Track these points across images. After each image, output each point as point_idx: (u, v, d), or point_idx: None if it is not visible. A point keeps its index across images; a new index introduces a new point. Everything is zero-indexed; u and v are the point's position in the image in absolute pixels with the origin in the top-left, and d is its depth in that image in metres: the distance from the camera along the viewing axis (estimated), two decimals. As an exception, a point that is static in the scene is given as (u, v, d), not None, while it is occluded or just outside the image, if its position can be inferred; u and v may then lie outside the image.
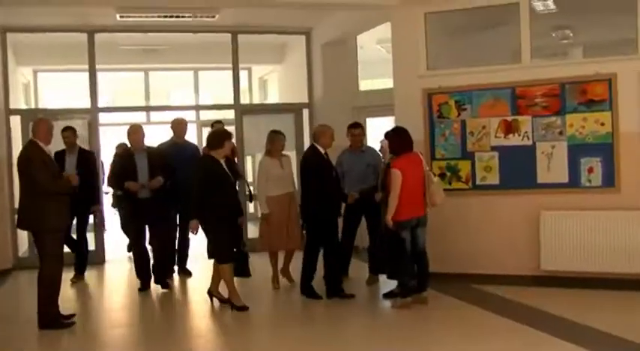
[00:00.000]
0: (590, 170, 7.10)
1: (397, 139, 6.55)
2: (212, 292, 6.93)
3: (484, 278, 7.36)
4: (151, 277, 7.74)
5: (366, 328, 6.33)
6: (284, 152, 7.78)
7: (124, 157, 7.81)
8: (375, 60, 11.17)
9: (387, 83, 12.43)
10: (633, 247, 6.84)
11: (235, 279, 6.75)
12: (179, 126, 8.50)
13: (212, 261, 6.80)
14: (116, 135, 10.79)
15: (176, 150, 8.21)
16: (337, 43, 10.18)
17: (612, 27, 7.57)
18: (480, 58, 7.76)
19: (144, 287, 7.70)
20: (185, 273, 8.57)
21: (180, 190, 7.78)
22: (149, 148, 7.78)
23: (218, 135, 6.82)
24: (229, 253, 6.67)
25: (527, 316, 6.10)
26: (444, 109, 7.66)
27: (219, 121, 8.97)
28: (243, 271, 6.88)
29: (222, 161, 6.64)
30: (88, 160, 8.38)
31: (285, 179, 7.63)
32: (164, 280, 7.75)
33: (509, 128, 7.39)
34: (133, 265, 7.97)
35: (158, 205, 7.57)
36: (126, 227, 9.13)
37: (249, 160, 11.13)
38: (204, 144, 7.10)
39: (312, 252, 7.07)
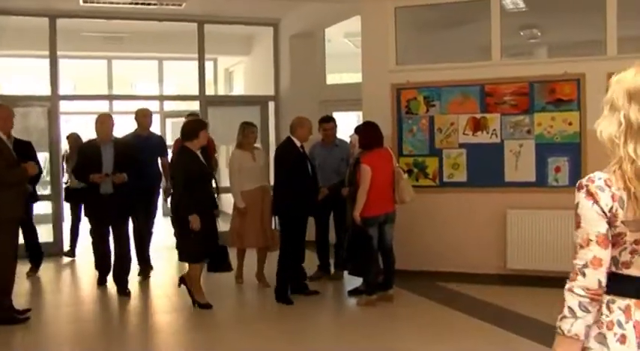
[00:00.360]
0: (557, 170, 7.10)
1: (368, 133, 6.45)
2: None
3: (450, 276, 7.33)
4: (109, 271, 7.37)
5: (331, 325, 6.28)
6: (255, 145, 7.61)
7: (89, 147, 7.23)
8: (343, 54, 11.08)
9: (354, 77, 12.43)
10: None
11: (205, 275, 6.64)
12: (144, 118, 8.08)
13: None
14: (79, 124, 10.53)
15: (141, 142, 7.84)
16: (305, 35, 10.04)
17: (581, 27, 7.58)
18: (450, 54, 7.71)
19: (103, 281, 7.44)
20: (147, 267, 8.18)
21: (146, 184, 7.55)
22: (116, 139, 7.27)
23: (193, 125, 6.58)
24: (202, 252, 6.46)
25: (493, 315, 6.08)
26: (413, 104, 7.59)
27: (193, 114, 8.75)
28: (224, 265, 6.74)
29: (199, 152, 6.44)
30: (28, 150, 7.33)
31: (258, 172, 7.38)
32: (125, 286, 7.19)
33: (478, 126, 7.35)
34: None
35: (122, 203, 7.05)
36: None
37: (223, 151, 10.94)
38: (178, 135, 6.88)
39: (288, 252, 6.71)
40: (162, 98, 12.09)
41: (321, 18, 9.61)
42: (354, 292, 6.91)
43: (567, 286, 2.10)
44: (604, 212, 2.02)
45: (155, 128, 10.04)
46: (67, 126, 10.78)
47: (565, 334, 2.07)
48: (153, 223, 8.31)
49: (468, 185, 7.41)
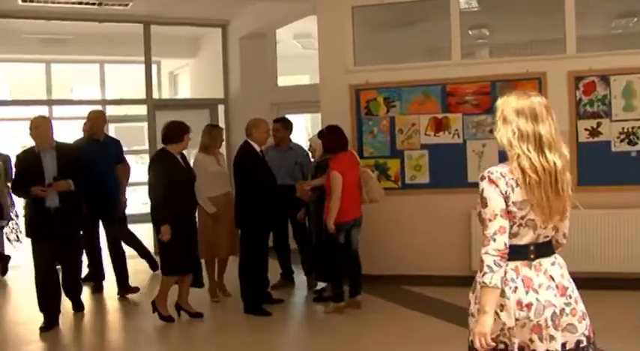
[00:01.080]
0: (520, 169, 7.03)
1: (332, 137, 6.24)
2: (180, 305, 6.32)
3: (416, 279, 7.18)
4: (59, 312, 6.24)
5: (298, 334, 6.09)
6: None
7: (27, 156, 6.15)
8: (291, 55, 10.87)
9: (303, 80, 12.27)
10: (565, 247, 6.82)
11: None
12: (98, 120, 7.35)
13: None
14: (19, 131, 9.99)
15: (97, 147, 7.14)
16: (256, 36, 9.77)
17: (539, 27, 7.56)
18: (410, 54, 7.59)
19: (49, 325, 6.06)
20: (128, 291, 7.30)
21: (105, 194, 7.03)
22: (58, 144, 6.21)
23: (178, 127, 6.13)
24: (183, 264, 6.09)
25: (461, 317, 5.92)
26: (373, 105, 7.43)
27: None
28: (197, 280, 6.43)
29: (179, 157, 6.10)
30: None
31: (222, 177, 7.00)
32: (80, 303, 6.59)
33: (440, 126, 7.25)
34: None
35: (70, 218, 6.10)
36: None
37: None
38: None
39: (250, 262, 6.29)
40: (105, 103, 11.54)
41: (272, 18, 9.36)
42: (319, 299, 6.70)
43: (483, 250, 2.70)
44: (502, 194, 2.72)
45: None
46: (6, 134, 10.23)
47: (488, 286, 2.66)
48: (119, 238, 7.46)
49: (430, 187, 7.30)
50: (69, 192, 6.02)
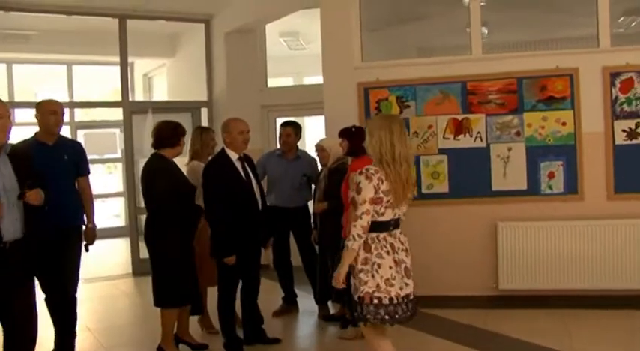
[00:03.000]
0: (551, 175, 6.33)
1: (358, 139, 5.37)
2: (180, 337, 5.43)
3: (434, 300, 6.36)
4: None
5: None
6: None
7: None
8: (278, 55, 10.05)
9: (289, 82, 11.48)
10: (600, 260, 6.14)
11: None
12: (52, 114, 5.02)
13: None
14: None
15: (50, 153, 5.05)
16: (243, 32, 8.92)
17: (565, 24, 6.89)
18: (425, 48, 6.83)
19: None
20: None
21: (62, 221, 4.94)
22: (13, 146, 4.30)
23: (173, 128, 5.18)
24: (185, 292, 5.15)
25: (485, 342, 5.37)
26: (384, 105, 6.64)
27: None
28: (197, 306, 5.51)
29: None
30: None
31: None
32: None
33: (460, 128, 6.48)
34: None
35: (31, 253, 4.16)
36: None
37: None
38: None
39: (225, 291, 5.27)
40: (74, 105, 10.57)
41: (262, 12, 8.51)
42: (329, 318, 6.00)
43: (353, 224, 3.78)
44: (375, 187, 3.79)
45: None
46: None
47: (350, 248, 3.81)
48: (74, 288, 5.21)
49: (450, 197, 6.52)
50: (35, 213, 4.16)
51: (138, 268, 8.58)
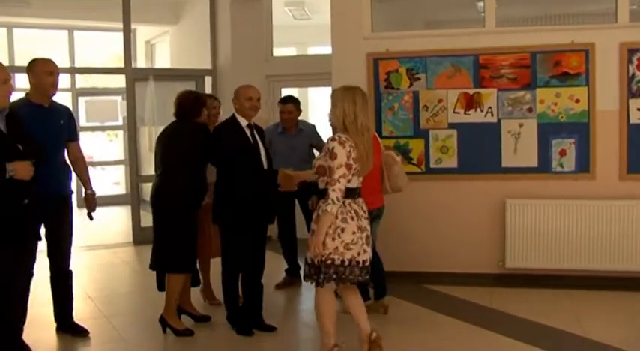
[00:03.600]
0: (563, 153, 6.21)
1: None
2: (183, 308, 5.31)
3: (440, 277, 6.35)
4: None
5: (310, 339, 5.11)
6: None
7: None
8: (282, 25, 9.86)
9: (292, 52, 11.29)
10: (609, 240, 6.04)
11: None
12: (48, 75, 4.70)
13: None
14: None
15: (46, 116, 4.77)
16: (248, 0, 8.73)
17: None
18: (432, 21, 6.66)
19: None
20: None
21: (53, 188, 4.75)
22: (11, 105, 4.29)
23: (195, 99, 5.11)
24: (194, 257, 5.14)
25: (491, 320, 5.30)
26: (394, 77, 6.49)
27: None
28: (194, 277, 5.43)
29: None
30: None
31: None
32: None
33: (471, 102, 6.34)
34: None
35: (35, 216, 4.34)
36: None
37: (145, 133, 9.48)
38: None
39: (230, 268, 5.05)
40: (75, 71, 10.38)
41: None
42: None
43: (331, 188, 3.95)
44: (346, 153, 3.99)
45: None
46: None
47: (329, 212, 3.95)
48: (67, 262, 5.07)
49: (459, 172, 6.40)
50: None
51: (138, 237, 8.49)
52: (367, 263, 4.15)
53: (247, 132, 5.04)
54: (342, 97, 4.13)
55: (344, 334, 4.37)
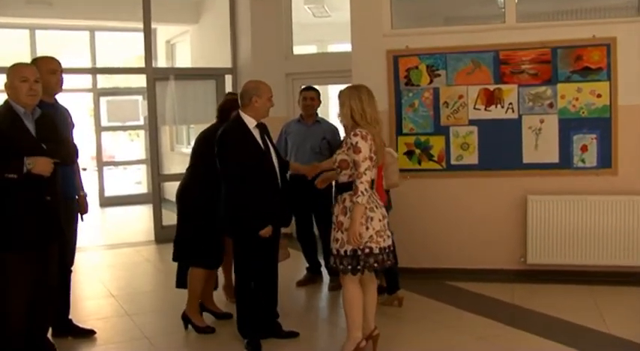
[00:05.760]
0: (584, 149, 6.16)
1: None
2: (205, 305, 5.34)
3: (461, 274, 6.34)
4: None
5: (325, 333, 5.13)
6: None
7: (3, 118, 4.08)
8: (302, 22, 9.88)
9: (312, 50, 11.30)
10: (632, 236, 6.00)
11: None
12: (53, 74, 4.63)
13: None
14: None
15: (56, 114, 4.68)
16: (269, -2, 8.78)
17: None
18: (452, 17, 6.64)
19: None
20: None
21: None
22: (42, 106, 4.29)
23: (230, 101, 5.25)
24: (221, 253, 5.18)
25: (512, 317, 5.28)
26: (414, 74, 6.48)
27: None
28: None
29: None
30: None
31: None
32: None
33: (491, 99, 6.31)
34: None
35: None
36: None
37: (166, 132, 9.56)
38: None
39: (244, 276, 4.74)
40: (96, 71, 10.49)
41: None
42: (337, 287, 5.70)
43: (358, 181, 4.09)
44: (369, 146, 4.17)
45: (87, 107, 8.53)
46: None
47: (360, 204, 4.09)
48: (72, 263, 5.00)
49: (480, 168, 6.37)
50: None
51: (160, 235, 8.54)
52: (392, 248, 4.36)
53: (256, 134, 4.65)
54: (349, 95, 4.30)
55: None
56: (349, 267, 4.20)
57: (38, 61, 4.65)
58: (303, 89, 6.53)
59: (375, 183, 4.30)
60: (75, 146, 4.62)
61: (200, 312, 5.22)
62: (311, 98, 6.39)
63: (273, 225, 4.65)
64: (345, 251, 4.19)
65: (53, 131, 4.28)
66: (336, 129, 6.38)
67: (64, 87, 4.81)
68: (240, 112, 4.67)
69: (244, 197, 4.52)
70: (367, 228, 4.15)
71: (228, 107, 5.19)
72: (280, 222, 4.88)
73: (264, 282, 4.82)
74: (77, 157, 4.66)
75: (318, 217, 6.33)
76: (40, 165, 4.01)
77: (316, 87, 6.64)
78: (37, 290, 4.14)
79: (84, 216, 5.00)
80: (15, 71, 4.14)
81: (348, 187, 4.20)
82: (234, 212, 4.59)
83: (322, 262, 6.46)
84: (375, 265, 4.21)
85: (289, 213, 5.32)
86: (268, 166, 4.67)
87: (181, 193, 5.16)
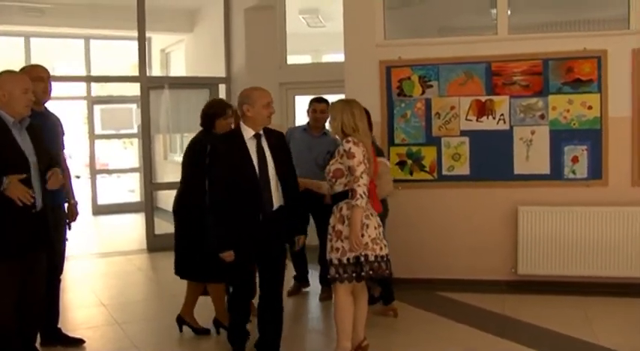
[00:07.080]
0: (575, 160, 6.20)
1: (368, 120, 5.16)
2: (183, 317, 5.27)
3: (452, 284, 6.35)
4: None
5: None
6: None
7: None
8: (296, 32, 9.92)
9: (306, 60, 11.34)
10: (622, 247, 6.03)
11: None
12: (40, 82, 4.57)
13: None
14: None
15: (45, 123, 4.59)
16: (263, 8, 8.80)
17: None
18: (446, 28, 6.68)
19: None
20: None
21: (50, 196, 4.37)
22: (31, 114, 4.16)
23: (213, 107, 5.18)
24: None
25: (503, 327, 5.29)
26: (406, 85, 6.51)
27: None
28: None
29: None
30: None
31: None
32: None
33: (483, 110, 6.35)
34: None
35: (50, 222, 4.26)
36: None
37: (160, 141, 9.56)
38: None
39: (234, 286, 4.60)
40: (91, 79, 10.50)
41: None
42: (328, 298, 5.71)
43: (356, 184, 4.15)
44: (362, 151, 4.24)
45: (81, 115, 8.55)
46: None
47: (359, 206, 4.13)
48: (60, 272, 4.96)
49: (471, 179, 6.40)
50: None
51: (152, 244, 8.53)
52: (388, 257, 4.34)
53: (251, 144, 4.35)
54: (342, 109, 4.35)
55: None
56: (353, 274, 4.21)
57: (26, 70, 4.60)
58: (314, 100, 6.36)
59: (369, 192, 4.29)
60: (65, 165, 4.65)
61: (216, 328, 5.18)
62: (321, 111, 6.18)
63: (237, 250, 4.31)
64: (348, 259, 4.20)
65: (40, 142, 4.18)
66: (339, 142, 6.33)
67: (58, 95, 4.82)
68: (240, 123, 4.43)
69: (214, 215, 4.32)
70: (363, 235, 4.17)
71: (212, 113, 5.07)
72: (257, 247, 4.39)
73: (265, 306, 4.54)
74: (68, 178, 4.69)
75: (318, 225, 6.27)
76: (13, 191, 3.81)
77: (310, 97, 6.62)
78: (25, 299, 4.10)
79: (72, 224, 4.96)
80: (15, 81, 4.01)
81: (344, 195, 4.25)
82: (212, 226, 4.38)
83: (310, 270, 6.53)
84: (371, 272, 4.21)
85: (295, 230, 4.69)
86: (249, 184, 4.29)
87: (176, 206, 5.11)
